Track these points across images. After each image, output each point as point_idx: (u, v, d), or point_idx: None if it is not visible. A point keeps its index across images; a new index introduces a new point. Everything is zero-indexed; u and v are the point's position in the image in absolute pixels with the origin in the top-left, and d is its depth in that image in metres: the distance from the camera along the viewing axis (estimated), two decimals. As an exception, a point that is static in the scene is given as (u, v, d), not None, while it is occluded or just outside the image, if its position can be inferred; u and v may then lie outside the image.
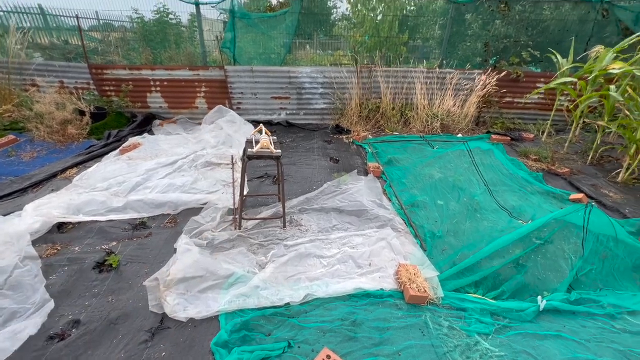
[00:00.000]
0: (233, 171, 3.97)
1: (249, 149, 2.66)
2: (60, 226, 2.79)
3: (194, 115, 6.13)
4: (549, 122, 5.63)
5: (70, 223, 2.83)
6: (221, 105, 5.77)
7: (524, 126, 6.06)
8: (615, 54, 4.50)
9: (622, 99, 4.14)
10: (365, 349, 1.86)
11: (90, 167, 3.96)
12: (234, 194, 3.41)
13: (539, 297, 2.23)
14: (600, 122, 4.56)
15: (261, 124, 3.05)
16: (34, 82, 5.95)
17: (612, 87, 4.26)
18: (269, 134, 2.93)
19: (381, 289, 2.30)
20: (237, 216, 2.96)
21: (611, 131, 4.34)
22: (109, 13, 8.45)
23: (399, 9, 6.71)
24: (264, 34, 6.74)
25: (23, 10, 7.49)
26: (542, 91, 5.61)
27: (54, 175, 3.73)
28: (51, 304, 2.02)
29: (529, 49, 6.07)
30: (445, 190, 3.68)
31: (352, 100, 5.95)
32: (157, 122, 5.89)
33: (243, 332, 1.87)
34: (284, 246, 2.71)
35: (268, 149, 2.64)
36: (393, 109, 6.01)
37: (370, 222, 3.08)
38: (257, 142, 2.80)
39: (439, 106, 5.91)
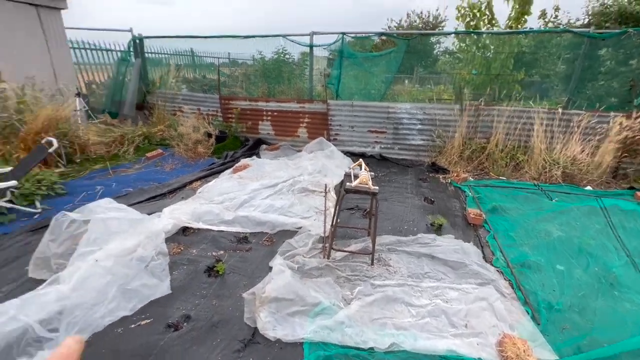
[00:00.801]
0: (325, 199, 4.15)
1: (347, 183, 2.75)
2: (184, 230, 3.34)
3: (295, 142, 6.71)
4: None
5: (192, 228, 3.35)
6: (323, 138, 6.18)
7: (688, 185, 4.72)
8: None
9: None
10: None
11: (210, 181, 4.68)
12: (324, 222, 3.55)
13: None
14: None
15: (361, 159, 3.15)
16: (180, 109, 7.49)
17: None
18: (368, 169, 2.99)
19: (479, 358, 2.01)
20: (327, 245, 3.04)
21: None
22: (238, 54, 10.19)
23: (515, 46, 6.23)
24: (367, 71, 7.09)
25: (180, 53, 9.62)
26: None
27: (184, 186, 4.53)
28: (170, 296, 2.39)
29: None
30: (567, 254, 3.08)
31: (454, 139, 5.64)
32: (263, 146, 6.64)
33: (326, 368, 1.86)
34: (370, 285, 2.65)
35: (366, 184, 2.69)
36: (502, 150, 5.46)
37: (469, 277, 2.77)
38: (355, 176, 2.88)
39: (561, 151, 5.11)
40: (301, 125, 6.67)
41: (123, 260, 2.52)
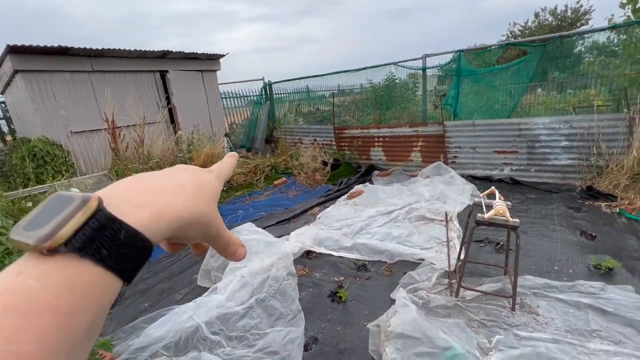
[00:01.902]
0: (447, 229, 3.83)
1: (479, 214, 2.48)
2: (308, 253, 3.62)
3: (407, 167, 6.54)
4: None
5: (314, 252, 3.60)
6: (440, 162, 5.84)
7: None
8: None
9: None
10: None
11: (327, 207, 4.98)
12: (448, 256, 3.26)
13: None
14: None
15: (493, 187, 2.81)
16: (300, 140, 8.38)
17: None
18: (502, 198, 2.64)
19: None
20: (454, 281, 2.77)
21: None
22: (347, 85, 10.85)
23: None
24: (488, 86, 6.43)
25: (298, 91, 10.87)
26: None
27: (306, 211, 4.96)
28: (302, 316, 2.59)
29: None
30: None
31: (624, 156, 4.44)
32: (375, 172, 6.70)
33: None
34: (514, 335, 2.24)
35: (504, 216, 2.37)
36: None
37: (669, 345, 2.04)
38: (488, 206, 2.58)
39: None
40: (414, 149, 6.48)
41: (262, 277, 2.90)
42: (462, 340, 2.25)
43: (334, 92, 8.32)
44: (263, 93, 9.44)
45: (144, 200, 0.29)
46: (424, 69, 6.45)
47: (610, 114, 4.81)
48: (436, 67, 6.47)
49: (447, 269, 3.02)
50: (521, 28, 19.92)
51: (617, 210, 3.90)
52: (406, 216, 4.30)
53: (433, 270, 2.97)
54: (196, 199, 0.34)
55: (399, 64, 6.82)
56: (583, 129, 4.82)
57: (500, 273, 2.94)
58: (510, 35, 20.01)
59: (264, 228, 4.16)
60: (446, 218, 4.10)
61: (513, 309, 2.51)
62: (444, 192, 4.86)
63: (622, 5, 6.50)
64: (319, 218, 4.56)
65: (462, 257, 2.78)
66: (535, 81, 7.37)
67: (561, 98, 7.80)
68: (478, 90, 6.56)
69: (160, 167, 5.94)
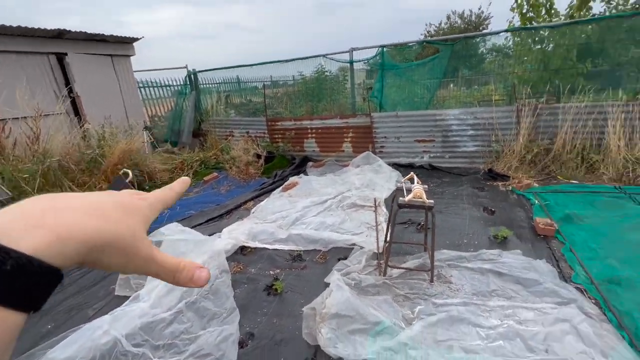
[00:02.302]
0: (376, 214, 4.09)
1: (400, 198, 2.69)
2: (242, 249, 3.51)
3: (340, 158, 6.77)
4: None
5: (249, 247, 3.51)
6: (369, 152, 6.16)
7: None
8: None
9: None
10: None
11: (262, 201, 4.89)
12: (377, 238, 3.48)
13: None
14: None
15: (412, 172, 3.06)
16: (231, 133, 8.02)
17: None
18: (420, 182, 2.90)
19: (569, 391, 1.78)
20: (382, 262, 2.97)
21: None
22: (280, 76, 10.72)
23: (578, 36, 5.69)
24: (409, 80, 6.97)
25: (227, 81, 10.34)
26: None
27: (239, 206, 4.79)
28: (237, 313, 2.51)
29: None
30: (668, 267, 2.63)
31: (514, 142, 5.24)
32: (310, 163, 6.79)
33: (393, 394, 1.79)
34: (432, 304, 2.51)
35: (421, 198, 2.61)
36: (569, 152, 4.93)
37: (544, 295, 2.50)
38: (408, 190, 2.81)
39: (645, 148, 4.47)
40: (345, 139, 6.73)
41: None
42: (389, 314, 2.44)
43: (265, 83, 8.12)
44: (187, 82, 8.76)
45: (42, 222, 0.26)
46: (351, 62, 6.69)
47: (504, 106, 5.64)
48: (362, 60, 6.77)
49: (375, 251, 3.23)
50: (436, 28, 22.02)
51: (510, 188, 4.63)
52: (339, 204, 4.46)
53: (363, 254, 3.15)
54: (112, 221, 0.30)
55: (327, 56, 6.95)
56: (484, 119, 5.57)
57: (421, 250, 3.25)
58: (427, 35, 21.94)
59: (193, 227, 3.90)
60: (375, 204, 4.36)
61: (432, 280, 2.80)
62: (373, 180, 5.16)
63: (512, 9, 7.61)
64: (254, 212, 4.46)
65: (388, 239, 2.99)
66: (448, 77, 8.25)
67: (469, 93, 8.87)
68: (400, 84, 7.07)
69: (63, 167, 5.11)
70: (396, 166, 5.98)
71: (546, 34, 6.12)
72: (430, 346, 2.13)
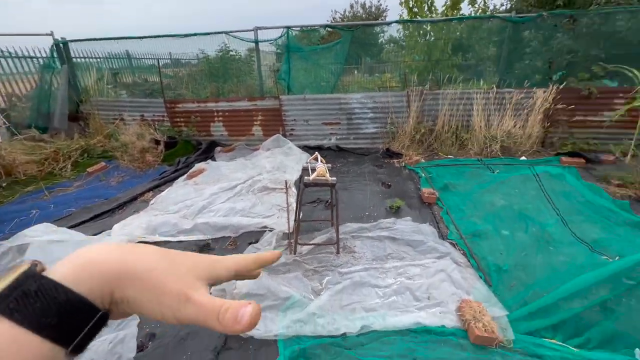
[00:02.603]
0: (287, 196, 4.14)
1: (306, 177, 2.77)
2: (139, 245, 3.14)
3: (250, 141, 6.58)
4: (632, 142, 4.99)
5: (148, 242, 3.16)
6: (279, 135, 6.12)
7: (601, 147, 5.43)
8: None
9: None
10: (428, 391, 1.75)
11: (163, 191, 4.43)
12: (288, 219, 3.55)
13: (637, 350, 1.91)
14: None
15: (317, 152, 3.18)
16: (121, 116, 6.95)
17: None
18: (324, 162, 3.04)
19: (442, 326, 2.17)
20: (292, 241, 3.05)
21: None
22: (181, 54, 9.67)
23: (452, 32, 6.64)
24: (315, 64, 7.12)
25: (115, 56, 8.87)
26: (624, 111, 5.02)
27: (135, 198, 4.24)
28: (135, 316, 2.25)
29: (601, 62, 5.53)
30: (510, 220, 3.41)
31: (405, 124, 5.91)
32: (218, 149, 6.42)
33: (302, 361, 1.89)
34: (338, 273, 2.72)
35: (324, 176, 2.73)
36: (447, 131, 5.83)
37: (427, 252, 2.96)
38: (313, 170, 2.91)
39: (497, 127, 5.59)
40: (255, 123, 6.55)
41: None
42: (299, 289, 2.54)
43: (163, 61, 7.21)
44: (55, 54, 7.14)
45: (75, 256, 0.28)
46: (256, 42, 6.45)
47: (397, 92, 6.28)
48: (268, 41, 6.59)
49: (286, 231, 3.29)
50: (341, 16, 22.92)
51: (403, 164, 5.25)
52: (249, 189, 4.36)
53: (273, 235, 3.18)
54: (139, 254, 0.31)
55: (230, 33, 6.54)
56: (382, 103, 6.11)
57: (328, 225, 3.45)
58: (333, 21, 22.65)
59: (73, 227, 3.31)
60: (286, 186, 4.40)
61: (338, 252, 3.01)
62: (284, 162, 5.19)
63: (401, 4, 8.40)
64: (153, 204, 4.01)
65: (297, 218, 3.08)
66: (352, 64, 8.73)
67: (371, 80, 9.56)
68: (307, 67, 7.16)
69: None
70: (306, 148, 6.13)
71: (428, 28, 6.97)
72: (336, 312, 2.31)
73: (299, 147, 6.03)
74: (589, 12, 5.67)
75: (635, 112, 5.05)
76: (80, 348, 0.25)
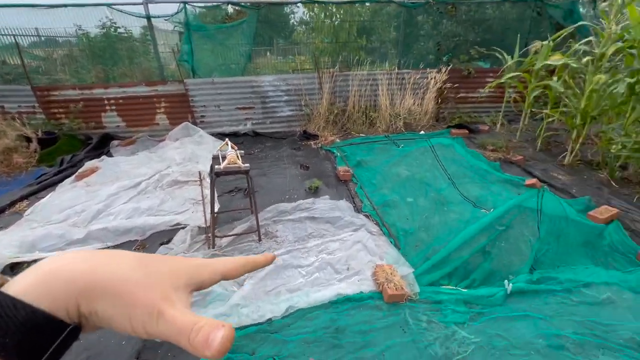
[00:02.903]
0: (202, 188, 3.88)
1: (216, 166, 2.61)
2: (13, 267, 2.57)
3: (155, 132, 5.89)
4: (501, 113, 6.05)
5: (25, 262, 2.61)
6: (187, 122, 5.60)
7: (479, 119, 6.45)
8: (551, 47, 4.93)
9: (562, 89, 4.54)
10: (350, 354, 1.89)
11: (43, 197, 3.68)
12: (204, 212, 3.33)
13: (506, 282, 2.38)
14: (545, 111, 4.97)
15: (227, 139, 3.01)
16: (-31, 109, 5.44)
17: (554, 78, 4.66)
18: (236, 148, 2.90)
19: (361, 292, 2.34)
20: (209, 235, 2.89)
21: (555, 118, 4.75)
22: (50, 30, 7.92)
23: (355, 15, 6.90)
24: (222, 45, 6.64)
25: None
26: (493, 86, 6.01)
27: (1, 211, 3.43)
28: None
29: (476, 46, 6.47)
30: (413, 188, 3.82)
31: (319, 106, 6.02)
32: (115, 142, 5.58)
33: (227, 355, 1.83)
34: (261, 260, 2.68)
35: (236, 164, 2.61)
36: (358, 111, 6.16)
37: (345, 227, 3.13)
38: (224, 157, 2.75)
39: (400, 105, 6.13)
40: (158, 111, 5.87)
41: None
42: (220, 282, 2.43)
43: (15, 37, 5.80)
44: None
45: (36, 267, 0.27)
46: (148, 17, 5.67)
47: (309, 73, 6.32)
48: (163, 17, 5.85)
49: (203, 226, 3.09)
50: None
51: (320, 145, 5.39)
52: (157, 185, 3.94)
53: (187, 232, 2.95)
54: (117, 264, 0.29)
55: (113, 6, 5.59)
56: (295, 85, 6.09)
57: (249, 214, 3.35)
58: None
59: None
60: (199, 177, 4.11)
61: (259, 239, 2.97)
62: (195, 152, 4.81)
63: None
64: (29, 214, 3.30)
65: (212, 210, 2.90)
66: (264, 46, 8.39)
67: (285, 62, 9.38)
68: (213, 47, 6.63)
69: None
70: (221, 136, 5.78)
71: (334, 10, 7.10)
72: (260, 299, 2.29)
73: (213, 134, 5.65)
74: (466, 1, 6.51)
75: (502, 88, 6.10)
76: None
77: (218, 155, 2.80)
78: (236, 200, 3.68)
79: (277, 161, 4.75)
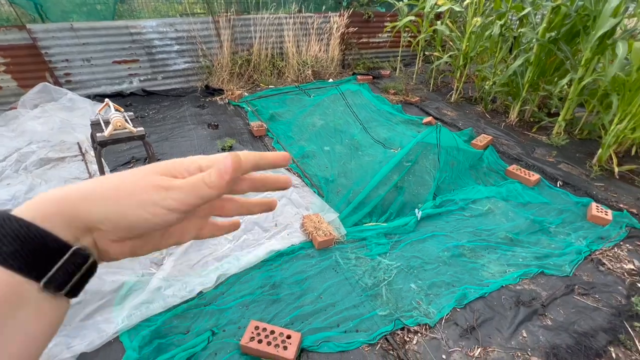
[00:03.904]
0: (86, 163, 3.21)
1: (99, 134, 2.12)
2: None
3: (-2, 99, 4.47)
4: (398, 58, 6.41)
5: None
6: (47, 83, 4.35)
7: (381, 64, 6.74)
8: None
9: (447, 32, 4.97)
10: (290, 305, 1.93)
11: None
12: (96, 191, 2.78)
13: (416, 210, 2.70)
14: (435, 54, 5.44)
15: (107, 99, 2.44)
16: None
17: (439, 23, 5.05)
18: (122, 110, 2.39)
19: (292, 245, 2.36)
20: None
21: (443, 60, 5.26)
22: None
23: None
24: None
25: None
26: (390, 29, 6.23)
27: None
28: None
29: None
30: (329, 136, 3.87)
31: (220, 56, 5.36)
32: None
33: (156, 342, 1.67)
34: (179, 234, 2.43)
35: (125, 129, 2.16)
36: (264, 60, 5.73)
37: (267, 183, 3.02)
38: (107, 122, 2.25)
39: (307, 53, 5.92)
40: (-5, 70, 4.39)
41: None
42: (134, 269, 2.14)
43: None
44: None
45: (35, 197, 0.27)
46: None
47: (202, 17, 5.47)
48: None
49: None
50: None
51: (227, 100, 4.92)
52: (18, 167, 3.07)
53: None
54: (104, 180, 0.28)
55: None
56: (186, 32, 5.22)
57: (155, 186, 2.94)
58: None
59: None
60: (80, 151, 3.37)
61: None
62: (68, 120, 3.86)
63: None
64: None
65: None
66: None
67: (169, 5, 7.84)
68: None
69: None
70: (100, 98, 4.73)
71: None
72: (185, 274, 2.11)
73: (88, 96, 4.60)
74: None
75: (399, 33, 6.39)
76: (60, 287, 0.25)
77: (98, 120, 2.27)
78: (136, 173, 3.16)
79: (180, 122, 4.18)
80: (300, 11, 5.97)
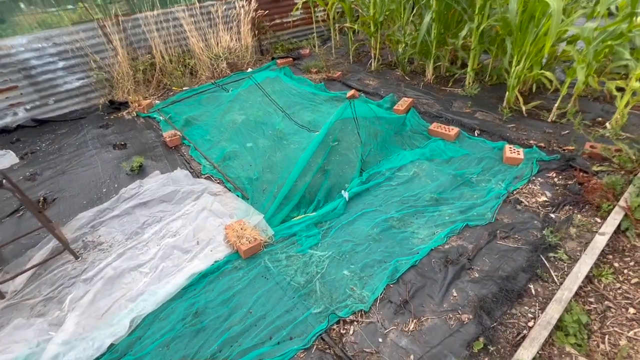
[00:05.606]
0: (-40, 224, 2.68)
1: None
2: None
3: None
4: (314, 34, 6.20)
5: None
6: None
7: (299, 44, 6.49)
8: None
9: (354, 1, 4.84)
10: (216, 330, 1.76)
11: None
12: (-25, 255, 2.33)
13: (343, 191, 2.61)
14: (346, 25, 5.31)
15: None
16: None
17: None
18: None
19: (215, 262, 2.16)
20: (-10, 283, 2.06)
21: (356, 30, 5.15)
22: None
23: None
24: None
25: None
26: (300, 7, 5.97)
27: None
28: None
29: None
30: (250, 131, 3.63)
31: (117, 65, 4.77)
32: None
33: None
34: (82, 282, 2.11)
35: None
36: (171, 61, 5.21)
37: (185, 199, 2.76)
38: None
39: (217, 45, 5.49)
40: None
41: None
42: (29, 338, 1.82)
43: None
44: None
45: None
46: None
47: (85, 24, 4.78)
48: None
49: (-25, 276, 2.17)
50: None
51: (135, 113, 4.42)
52: None
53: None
54: None
55: None
56: (69, 44, 4.55)
57: (49, 233, 2.54)
58: None
59: None
60: (-48, 210, 2.80)
61: (76, 257, 2.31)
62: None
63: None
64: None
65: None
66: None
67: (47, 16, 6.80)
68: None
69: None
70: (-23, 140, 4.01)
71: None
72: (93, 328, 1.84)
73: (-42, 142, 3.85)
74: None
75: (310, 9, 6.14)
76: None
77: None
78: (25, 221, 2.71)
79: (79, 149, 3.66)
80: (199, 0, 5.47)
